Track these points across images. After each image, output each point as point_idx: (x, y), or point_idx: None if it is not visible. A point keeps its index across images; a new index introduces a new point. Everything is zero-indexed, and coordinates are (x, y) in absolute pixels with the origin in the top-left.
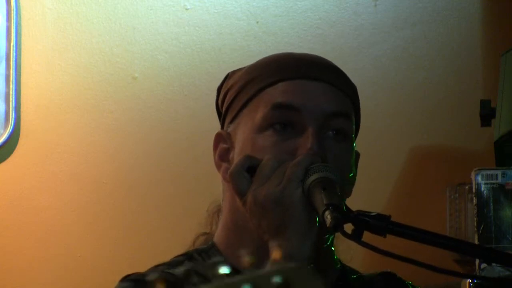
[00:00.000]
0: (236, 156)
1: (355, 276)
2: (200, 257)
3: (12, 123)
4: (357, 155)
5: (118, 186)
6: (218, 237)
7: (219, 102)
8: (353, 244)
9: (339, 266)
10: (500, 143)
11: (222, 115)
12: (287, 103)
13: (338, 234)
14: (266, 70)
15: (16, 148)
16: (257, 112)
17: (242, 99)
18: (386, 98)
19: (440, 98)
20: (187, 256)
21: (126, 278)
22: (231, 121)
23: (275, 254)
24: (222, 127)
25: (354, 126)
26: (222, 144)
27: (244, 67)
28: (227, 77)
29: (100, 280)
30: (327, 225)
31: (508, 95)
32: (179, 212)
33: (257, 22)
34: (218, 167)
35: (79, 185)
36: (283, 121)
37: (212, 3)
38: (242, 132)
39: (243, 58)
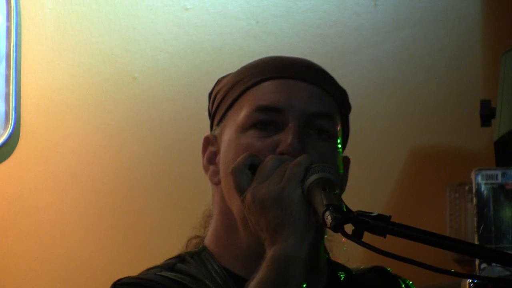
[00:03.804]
0: (222, 157)
1: (343, 274)
2: (192, 259)
3: (12, 123)
4: (347, 160)
5: (118, 186)
6: (208, 240)
7: (209, 107)
8: (351, 245)
9: (334, 269)
10: (500, 143)
11: (210, 119)
12: (270, 105)
13: (335, 236)
14: (251, 72)
15: (16, 148)
16: (241, 112)
17: (227, 101)
18: (386, 98)
19: (440, 98)
20: (179, 259)
21: (117, 282)
22: (218, 124)
23: (272, 253)
24: (211, 131)
25: (339, 128)
26: (210, 147)
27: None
28: (217, 83)
29: (99, 280)
30: (328, 226)
31: (508, 95)
32: (179, 212)
33: (257, 22)
34: (206, 170)
35: (79, 185)
36: (265, 121)
37: (212, 3)
38: (227, 134)
39: (243, 58)
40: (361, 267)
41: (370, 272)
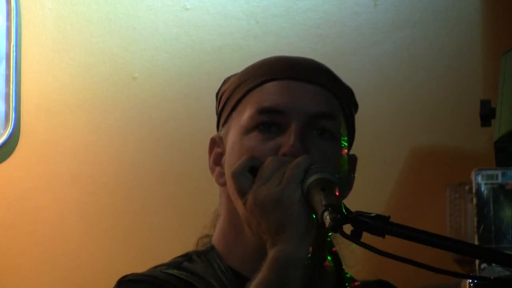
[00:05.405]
0: (227, 159)
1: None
2: (199, 258)
3: (12, 123)
4: (354, 158)
5: (118, 186)
6: (215, 239)
7: (216, 107)
8: (354, 248)
9: (346, 274)
10: (500, 143)
11: (217, 119)
12: (272, 107)
13: (342, 239)
14: (255, 72)
15: (16, 148)
16: (244, 114)
17: (231, 102)
18: (386, 98)
19: (440, 98)
20: (186, 258)
21: (123, 279)
22: (223, 125)
23: (273, 254)
24: (218, 131)
25: (343, 128)
26: (216, 148)
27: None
28: (224, 82)
29: (100, 280)
30: (326, 226)
31: (508, 95)
32: (180, 212)
33: (257, 22)
34: (212, 171)
35: (79, 185)
36: (268, 122)
37: (212, 3)
38: (232, 135)
39: (243, 58)
40: (365, 279)
41: (374, 284)
